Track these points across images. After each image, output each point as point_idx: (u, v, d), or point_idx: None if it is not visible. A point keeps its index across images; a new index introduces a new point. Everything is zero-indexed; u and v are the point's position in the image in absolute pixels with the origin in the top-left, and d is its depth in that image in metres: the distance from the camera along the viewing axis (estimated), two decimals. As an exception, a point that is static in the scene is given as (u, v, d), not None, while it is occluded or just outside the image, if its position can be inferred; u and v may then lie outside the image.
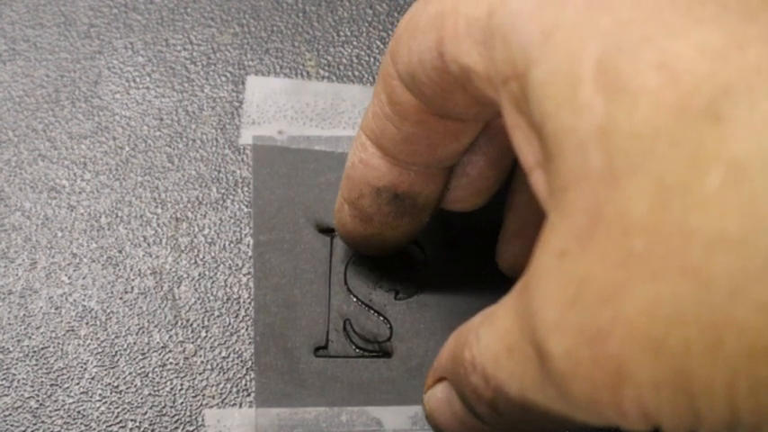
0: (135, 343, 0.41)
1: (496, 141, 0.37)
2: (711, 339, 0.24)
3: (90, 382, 0.40)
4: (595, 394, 0.26)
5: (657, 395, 0.25)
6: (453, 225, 0.42)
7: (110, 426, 0.40)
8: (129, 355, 0.41)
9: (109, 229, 0.42)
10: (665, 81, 0.25)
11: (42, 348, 0.41)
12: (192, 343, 0.41)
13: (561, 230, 0.26)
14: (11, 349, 0.41)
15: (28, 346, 0.41)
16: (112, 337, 0.41)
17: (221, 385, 0.40)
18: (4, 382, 0.40)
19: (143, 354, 0.41)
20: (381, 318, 0.41)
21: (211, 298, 0.41)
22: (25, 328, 0.41)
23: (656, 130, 0.25)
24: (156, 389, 0.40)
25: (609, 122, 0.25)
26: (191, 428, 0.40)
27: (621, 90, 0.25)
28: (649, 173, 0.25)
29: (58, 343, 0.41)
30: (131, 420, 0.40)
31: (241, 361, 0.41)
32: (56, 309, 0.41)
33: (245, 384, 0.40)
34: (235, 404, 0.40)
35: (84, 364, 0.40)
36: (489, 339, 0.30)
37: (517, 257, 0.39)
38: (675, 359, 0.24)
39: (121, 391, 0.40)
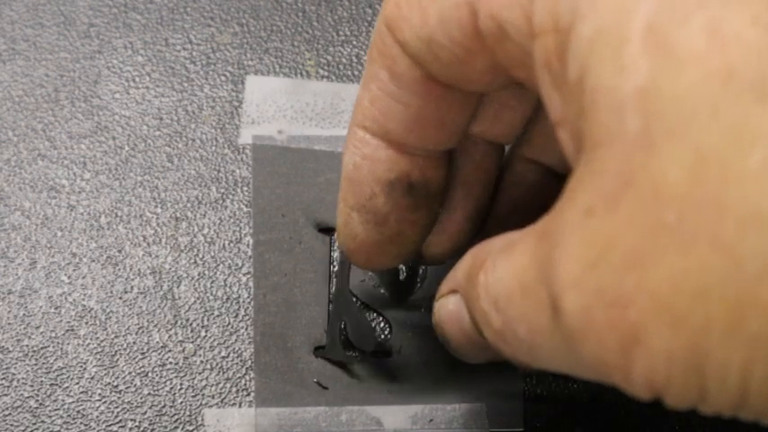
0: (134, 342, 0.41)
1: (472, 197, 0.37)
2: (734, 318, 0.24)
3: (89, 382, 0.40)
4: (604, 356, 0.26)
5: (669, 369, 0.25)
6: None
7: (109, 425, 0.40)
8: (128, 354, 0.41)
9: (108, 229, 0.42)
10: (714, 48, 0.24)
11: (42, 348, 0.41)
12: (192, 342, 0.41)
13: (589, 187, 0.26)
14: (10, 349, 0.41)
15: (27, 345, 0.41)
16: (112, 336, 0.41)
17: (221, 385, 0.40)
18: (3, 381, 0.40)
19: (142, 353, 0.41)
20: (381, 318, 0.41)
21: (211, 297, 0.41)
22: (25, 328, 0.41)
23: (700, 97, 0.24)
24: (155, 388, 0.40)
25: (651, 85, 0.25)
26: (190, 428, 0.40)
27: (668, 53, 0.25)
28: (688, 141, 0.24)
29: (58, 343, 0.41)
30: (131, 420, 0.40)
31: (241, 361, 0.41)
32: (55, 308, 0.41)
33: (245, 384, 0.40)
34: (234, 404, 0.40)
35: (84, 363, 0.40)
36: (505, 272, 0.29)
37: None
38: (694, 335, 0.24)
39: (121, 390, 0.40)
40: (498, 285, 0.30)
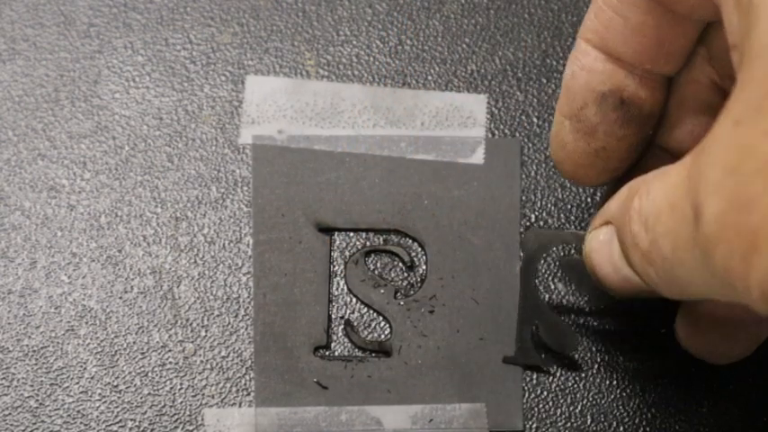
0: (134, 342, 0.41)
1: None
2: None
3: (89, 382, 0.40)
4: (730, 262, 0.26)
5: None
6: (454, 224, 0.42)
7: (109, 425, 0.40)
8: (128, 354, 0.41)
9: (108, 229, 0.42)
10: None
11: (42, 348, 0.41)
12: (192, 342, 0.41)
13: (740, 100, 0.27)
14: (10, 349, 0.41)
15: (27, 345, 0.41)
16: (112, 336, 0.41)
17: (221, 385, 0.40)
18: (3, 381, 0.40)
19: (142, 353, 0.41)
20: (381, 317, 0.41)
21: (211, 297, 0.41)
22: (25, 328, 0.41)
23: None
24: (155, 388, 0.40)
25: None
26: (190, 428, 0.40)
27: None
28: None
29: (58, 342, 0.41)
30: (131, 420, 0.40)
31: (241, 360, 0.41)
32: (55, 308, 0.41)
33: (245, 384, 0.40)
34: (234, 404, 0.40)
35: (84, 363, 0.40)
36: (657, 193, 0.30)
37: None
38: None
39: (121, 390, 0.40)
40: (650, 206, 0.31)
